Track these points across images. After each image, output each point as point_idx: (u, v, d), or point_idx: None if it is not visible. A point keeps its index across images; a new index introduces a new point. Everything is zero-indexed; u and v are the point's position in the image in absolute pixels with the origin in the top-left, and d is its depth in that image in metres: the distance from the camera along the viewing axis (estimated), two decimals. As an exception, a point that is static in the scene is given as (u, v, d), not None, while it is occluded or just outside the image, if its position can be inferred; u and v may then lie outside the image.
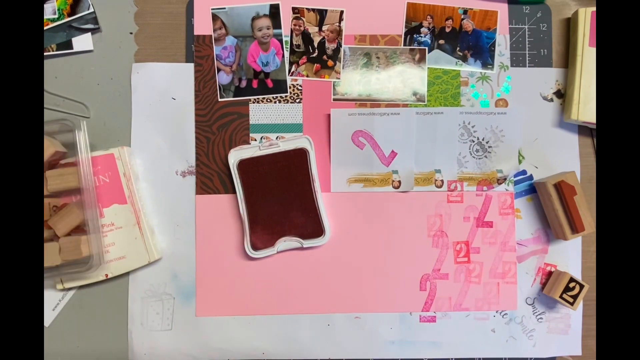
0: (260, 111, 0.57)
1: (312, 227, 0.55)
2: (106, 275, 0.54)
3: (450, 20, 0.57)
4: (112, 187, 0.54)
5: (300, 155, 0.55)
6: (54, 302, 0.55)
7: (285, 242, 0.55)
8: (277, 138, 0.57)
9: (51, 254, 0.49)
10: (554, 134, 0.57)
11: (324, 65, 0.57)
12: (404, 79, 0.57)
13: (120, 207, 0.54)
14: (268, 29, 0.57)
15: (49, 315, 0.55)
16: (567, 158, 0.57)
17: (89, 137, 0.52)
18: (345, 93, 0.57)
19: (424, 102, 0.57)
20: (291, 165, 0.55)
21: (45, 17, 0.56)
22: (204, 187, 0.57)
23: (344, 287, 0.56)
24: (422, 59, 0.57)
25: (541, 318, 0.57)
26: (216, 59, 0.57)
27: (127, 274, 0.55)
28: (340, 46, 0.57)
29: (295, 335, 0.56)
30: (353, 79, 0.57)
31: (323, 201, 0.55)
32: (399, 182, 0.57)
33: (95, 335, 0.56)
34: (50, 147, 0.50)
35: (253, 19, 0.57)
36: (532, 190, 0.57)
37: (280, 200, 0.55)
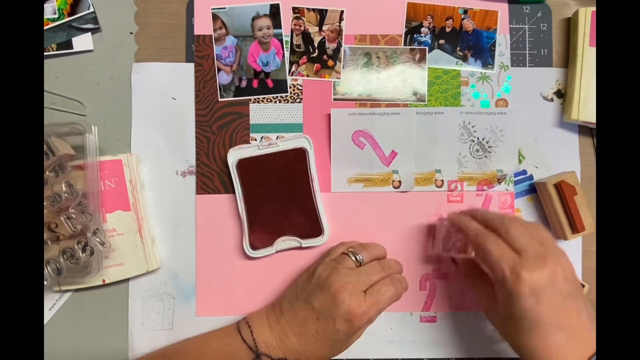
0: (261, 111, 0.57)
1: (311, 227, 0.55)
2: (103, 280, 0.53)
3: (451, 20, 0.57)
4: (117, 193, 0.54)
5: (299, 155, 0.55)
6: (51, 302, 0.55)
7: (284, 242, 0.55)
8: (277, 138, 0.57)
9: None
10: (554, 134, 0.57)
11: (324, 65, 0.57)
12: (404, 78, 0.57)
13: (124, 213, 0.54)
14: (268, 28, 0.57)
15: (45, 315, 0.55)
16: (567, 158, 0.57)
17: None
18: (346, 93, 0.57)
19: (424, 102, 0.57)
20: (290, 165, 0.55)
21: (45, 17, 0.56)
22: (204, 187, 0.56)
23: (344, 287, 0.56)
24: (422, 59, 0.57)
25: (541, 318, 0.57)
26: (216, 59, 0.57)
27: (126, 276, 0.55)
28: (341, 46, 0.57)
29: (295, 335, 0.56)
30: (353, 79, 0.57)
31: (322, 201, 0.55)
32: (399, 182, 0.56)
33: (95, 335, 0.56)
34: (58, 149, 0.50)
35: (253, 19, 0.57)
36: (532, 190, 0.57)
37: (279, 200, 0.55)
